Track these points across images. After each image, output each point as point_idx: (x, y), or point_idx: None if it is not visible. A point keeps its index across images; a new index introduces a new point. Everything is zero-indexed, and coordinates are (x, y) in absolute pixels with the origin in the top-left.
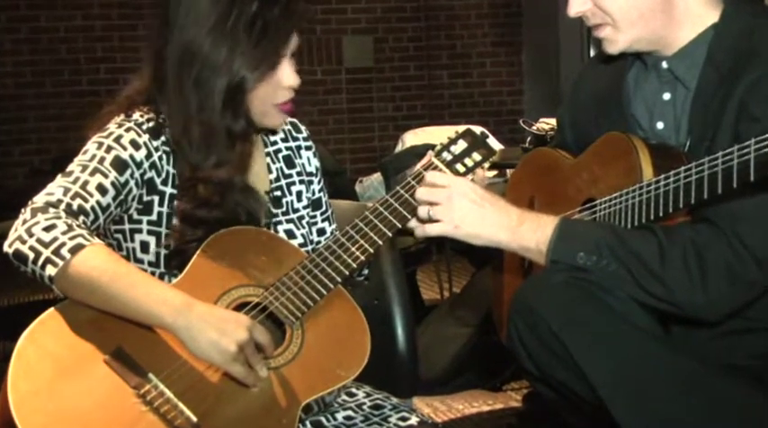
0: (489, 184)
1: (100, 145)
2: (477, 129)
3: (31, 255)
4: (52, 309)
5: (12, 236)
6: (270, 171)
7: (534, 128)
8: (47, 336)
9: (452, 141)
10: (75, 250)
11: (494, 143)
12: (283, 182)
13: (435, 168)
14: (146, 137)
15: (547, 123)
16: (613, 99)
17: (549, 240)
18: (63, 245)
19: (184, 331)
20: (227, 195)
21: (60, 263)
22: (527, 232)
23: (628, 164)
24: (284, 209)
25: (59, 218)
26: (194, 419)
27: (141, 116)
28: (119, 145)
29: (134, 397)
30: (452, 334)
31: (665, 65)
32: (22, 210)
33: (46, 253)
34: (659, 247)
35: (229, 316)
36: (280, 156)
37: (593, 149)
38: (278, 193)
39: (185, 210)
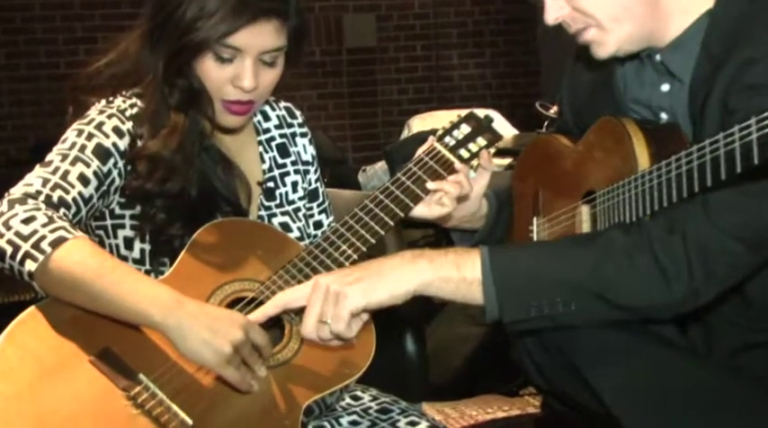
0: (499, 173)
1: (80, 132)
2: (482, 113)
3: (9, 250)
4: (33, 308)
5: None
6: (262, 160)
7: (552, 111)
8: (27, 336)
9: (455, 125)
10: (56, 243)
11: (506, 128)
12: (277, 172)
13: (438, 153)
14: (129, 124)
15: None
16: (609, 86)
17: (480, 273)
18: (43, 238)
19: (174, 330)
20: (170, 168)
21: (40, 257)
22: (438, 257)
23: (622, 152)
24: (278, 201)
25: (39, 209)
26: (189, 422)
27: (124, 102)
28: (100, 132)
29: (124, 400)
30: (464, 334)
31: (658, 57)
32: None
33: (25, 247)
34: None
35: (223, 315)
36: (273, 144)
37: (589, 137)
38: (271, 184)
39: (134, 186)
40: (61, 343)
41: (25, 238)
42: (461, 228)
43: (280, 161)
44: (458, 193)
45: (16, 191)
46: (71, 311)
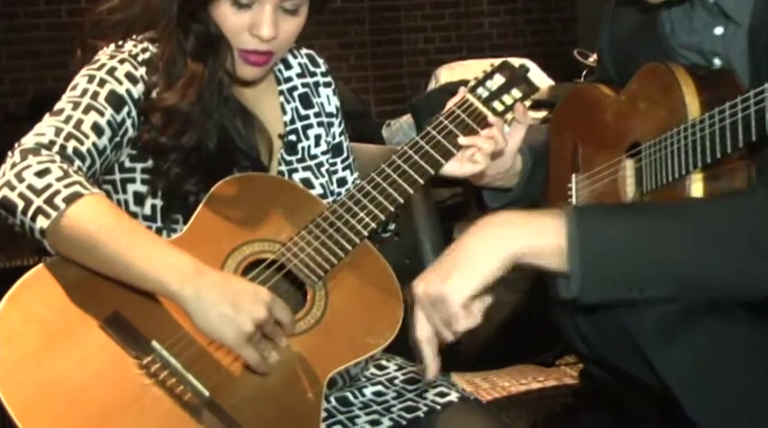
0: (534, 126)
1: (91, 78)
2: (516, 62)
3: (21, 204)
4: (37, 269)
5: None
6: (284, 111)
7: (591, 60)
8: (32, 299)
9: (488, 75)
10: (70, 199)
11: (541, 78)
12: (299, 124)
13: (470, 106)
14: (142, 70)
15: None
16: (654, 31)
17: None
18: (57, 193)
19: (192, 302)
20: (186, 121)
21: (53, 213)
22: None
23: (671, 101)
24: (299, 155)
25: (54, 162)
26: (206, 393)
27: (135, 46)
28: (113, 78)
29: (136, 368)
30: (497, 301)
31: None
32: (9, 154)
33: (37, 201)
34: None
35: (247, 289)
36: (295, 94)
37: (633, 85)
38: (292, 138)
39: (146, 139)
40: (68, 306)
41: (38, 193)
42: (494, 186)
43: (302, 112)
44: (491, 149)
45: (28, 140)
46: (78, 272)
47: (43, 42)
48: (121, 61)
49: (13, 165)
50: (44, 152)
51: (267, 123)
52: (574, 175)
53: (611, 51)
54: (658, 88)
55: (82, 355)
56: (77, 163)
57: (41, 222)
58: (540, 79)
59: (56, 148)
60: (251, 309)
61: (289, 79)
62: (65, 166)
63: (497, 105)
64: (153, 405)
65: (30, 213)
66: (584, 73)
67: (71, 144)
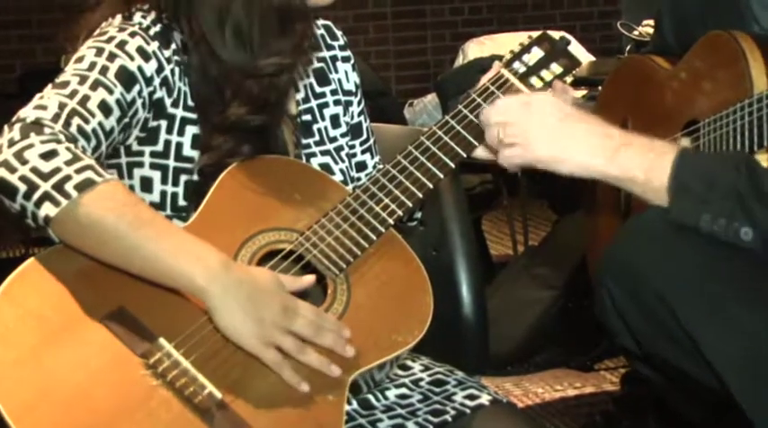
0: (580, 104)
1: (99, 51)
2: (556, 35)
3: (23, 188)
4: (33, 260)
5: None
6: (296, 89)
7: (635, 33)
8: (28, 293)
9: (525, 49)
10: (83, 187)
11: (580, 52)
12: (314, 103)
13: (505, 82)
14: (155, 45)
15: (652, 26)
16: None
17: (667, 179)
18: (68, 178)
19: (216, 299)
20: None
21: (63, 201)
22: (634, 156)
23: (734, 74)
24: (316, 137)
25: (60, 142)
26: (218, 395)
27: (144, 18)
28: (124, 53)
29: (142, 368)
30: (529, 299)
31: None
32: (6, 128)
33: (44, 186)
34: None
35: (270, 290)
36: (309, 69)
37: (693, 55)
38: (307, 118)
39: (239, 116)
40: (68, 300)
41: (45, 177)
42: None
43: (318, 90)
44: None
45: (27, 114)
46: (79, 263)
47: (32, 12)
48: (132, 34)
49: (12, 143)
50: (47, 130)
51: None
52: None
53: (674, 13)
54: (720, 59)
55: (83, 355)
56: (82, 142)
57: (48, 209)
58: (580, 54)
59: (59, 125)
60: (275, 313)
61: None
62: (72, 148)
63: (535, 81)
64: (160, 409)
65: (34, 198)
66: (629, 47)
67: (75, 121)
